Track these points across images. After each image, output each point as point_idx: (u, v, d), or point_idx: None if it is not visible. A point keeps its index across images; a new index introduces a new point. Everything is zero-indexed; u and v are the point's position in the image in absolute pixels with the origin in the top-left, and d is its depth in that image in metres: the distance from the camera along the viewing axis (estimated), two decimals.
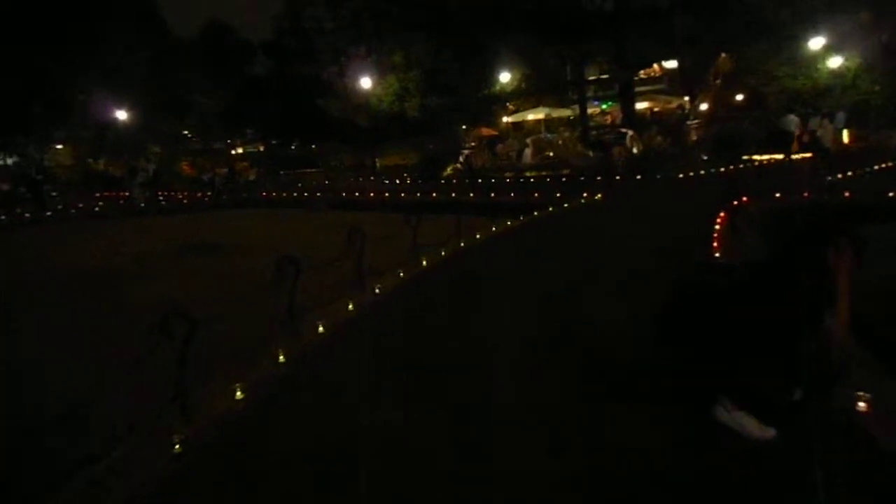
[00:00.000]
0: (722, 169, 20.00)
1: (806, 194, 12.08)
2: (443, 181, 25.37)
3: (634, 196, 16.32)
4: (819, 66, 34.08)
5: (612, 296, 6.39)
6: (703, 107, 40.45)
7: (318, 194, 22.59)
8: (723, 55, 40.31)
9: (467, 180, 23.95)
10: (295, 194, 23.53)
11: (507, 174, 24.94)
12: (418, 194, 19.69)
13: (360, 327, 5.82)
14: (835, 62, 32.83)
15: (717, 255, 7.14)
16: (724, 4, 31.23)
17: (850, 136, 26.76)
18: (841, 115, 22.66)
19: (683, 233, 9.70)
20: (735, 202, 10.41)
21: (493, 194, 17.37)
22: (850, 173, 15.55)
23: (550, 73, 40.21)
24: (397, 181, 26.96)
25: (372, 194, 20.89)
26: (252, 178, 34.87)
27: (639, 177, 19.70)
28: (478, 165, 26.43)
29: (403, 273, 7.89)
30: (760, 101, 38.32)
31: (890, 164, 17.63)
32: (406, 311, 6.42)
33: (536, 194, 16.33)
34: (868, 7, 34.38)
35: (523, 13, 33.78)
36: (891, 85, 35.12)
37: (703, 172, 19.67)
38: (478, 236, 10.38)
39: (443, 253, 9.12)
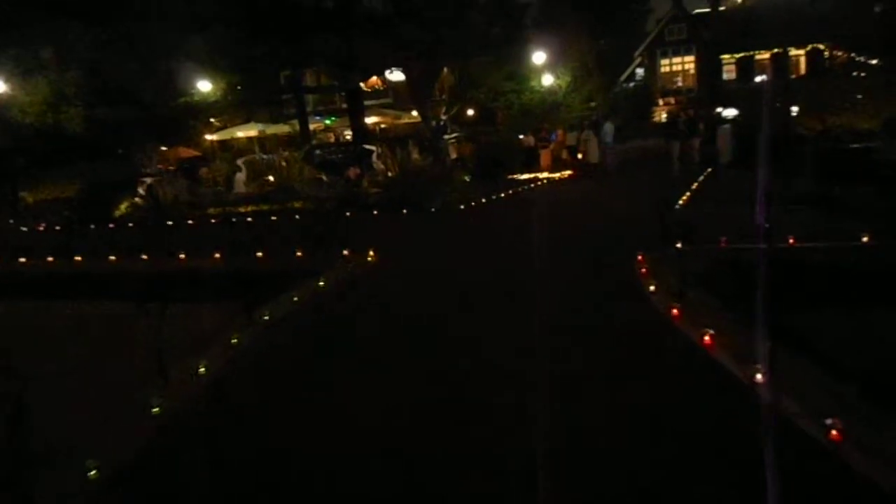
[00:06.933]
0: (504, 194, 15.47)
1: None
2: (112, 224, 17.00)
3: (428, 250, 10.40)
4: (534, 83, 33.57)
5: None
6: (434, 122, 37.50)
7: None
8: (445, 70, 38.11)
9: (150, 223, 16.04)
10: None
11: (213, 210, 17.46)
12: (53, 259, 11.44)
13: None
14: (547, 80, 32.28)
15: None
16: (447, 15, 28.47)
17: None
18: (609, 127, 19.76)
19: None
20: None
21: (182, 255, 10.10)
22: (684, 198, 11.67)
23: (264, 80, 33.28)
24: (40, 228, 17.69)
25: None
26: None
27: (405, 210, 13.97)
28: (168, 199, 18.40)
29: None
30: (490, 116, 36.84)
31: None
32: None
33: (260, 253, 9.55)
34: (537, 27, 34.74)
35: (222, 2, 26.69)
36: (605, 102, 35.64)
37: (484, 200, 14.69)
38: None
39: None
